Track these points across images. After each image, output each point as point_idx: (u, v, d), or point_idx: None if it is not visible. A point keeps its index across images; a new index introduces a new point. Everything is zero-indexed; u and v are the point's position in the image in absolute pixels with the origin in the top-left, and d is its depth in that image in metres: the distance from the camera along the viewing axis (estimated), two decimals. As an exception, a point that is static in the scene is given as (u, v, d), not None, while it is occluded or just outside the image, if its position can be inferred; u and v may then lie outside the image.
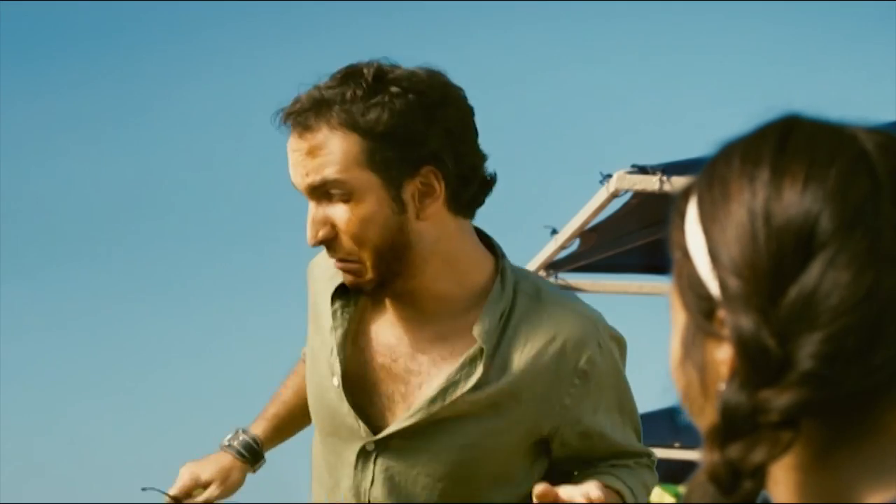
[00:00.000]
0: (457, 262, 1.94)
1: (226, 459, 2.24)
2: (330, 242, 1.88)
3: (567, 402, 1.93)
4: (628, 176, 4.42)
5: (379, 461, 1.98)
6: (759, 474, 0.80)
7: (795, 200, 0.83)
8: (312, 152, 1.85)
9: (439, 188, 1.86)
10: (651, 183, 4.37)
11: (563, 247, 5.33)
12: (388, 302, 1.99)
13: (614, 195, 4.53)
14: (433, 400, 1.93)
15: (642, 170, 4.42)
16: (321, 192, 1.87)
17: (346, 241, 1.87)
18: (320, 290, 2.06)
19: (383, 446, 1.97)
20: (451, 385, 1.92)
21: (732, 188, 0.85)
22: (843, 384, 0.80)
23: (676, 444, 8.40)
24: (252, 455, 2.25)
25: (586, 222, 4.96)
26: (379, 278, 1.89)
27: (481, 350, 1.91)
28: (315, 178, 1.85)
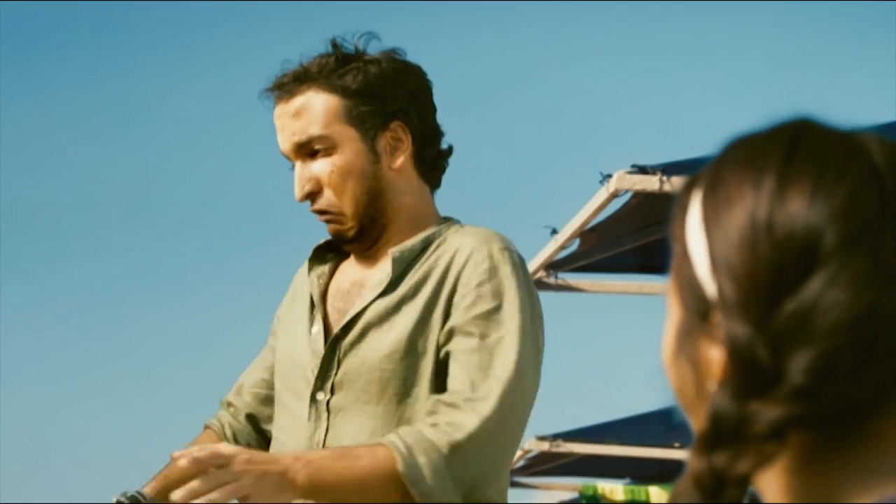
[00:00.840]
0: (419, 220, 2.16)
1: None
2: (314, 196, 2.12)
3: (456, 299, 2.04)
4: (628, 176, 4.41)
5: (330, 402, 2.07)
6: (744, 483, 0.80)
7: (800, 213, 0.82)
8: (297, 114, 2.12)
9: (407, 141, 2.13)
10: (651, 183, 4.37)
11: (563, 247, 5.33)
12: (353, 259, 2.19)
13: (614, 195, 4.52)
14: (355, 314, 2.10)
15: (642, 170, 4.42)
16: (306, 149, 2.12)
17: (328, 194, 2.11)
18: (298, 282, 2.28)
19: (327, 381, 2.08)
20: (366, 297, 2.11)
21: (737, 193, 0.85)
22: (833, 400, 0.80)
23: (676, 444, 8.39)
24: None
25: (586, 222, 4.95)
26: (359, 224, 2.11)
27: (392, 261, 2.09)
28: (301, 137, 2.11)
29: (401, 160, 2.12)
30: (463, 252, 2.06)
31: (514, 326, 1.99)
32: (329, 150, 2.10)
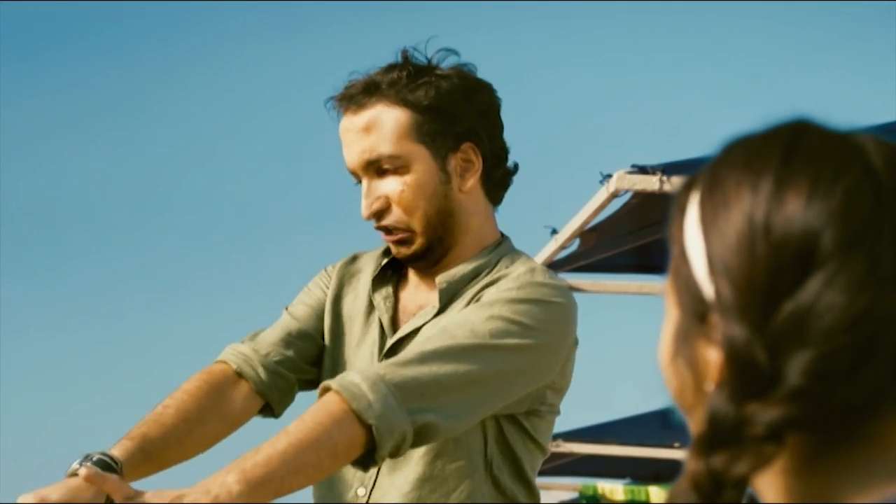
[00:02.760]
0: (483, 240, 2.14)
1: (74, 481, 1.89)
2: (382, 214, 2.08)
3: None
4: (628, 176, 4.42)
5: None
6: (742, 485, 0.80)
7: (797, 215, 0.82)
8: (367, 129, 2.07)
9: (478, 163, 2.09)
10: (651, 183, 4.37)
11: (563, 247, 5.33)
12: (415, 278, 2.16)
13: (614, 195, 4.53)
14: (402, 337, 2.08)
15: (642, 170, 4.42)
16: (375, 167, 2.07)
17: (398, 212, 2.07)
18: (346, 292, 2.22)
19: None
20: (416, 322, 2.09)
21: (734, 195, 0.85)
22: (830, 402, 0.80)
23: (676, 444, 8.40)
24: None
25: (586, 222, 4.96)
26: (427, 244, 2.08)
27: (439, 291, 2.07)
28: (372, 155, 2.06)
29: (471, 182, 2.09)
30: (504, 277, 2.05)
31: (509, 306, 1.96)
32: (400, 169, 2.06)
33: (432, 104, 2.05)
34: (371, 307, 2.17)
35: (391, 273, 2.19)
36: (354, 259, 2.27)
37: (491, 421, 2.04)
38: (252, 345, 2.17)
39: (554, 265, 5.78)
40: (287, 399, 2.19)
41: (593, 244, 5.40)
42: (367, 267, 2.23)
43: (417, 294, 2.15)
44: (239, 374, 2.13)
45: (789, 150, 0.85)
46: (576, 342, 2.10)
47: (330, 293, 2.23)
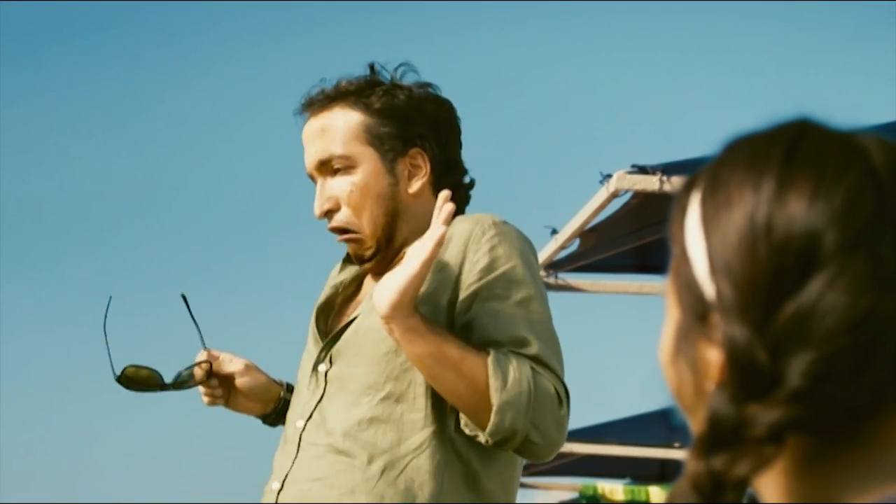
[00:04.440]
0: None
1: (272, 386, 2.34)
2: (332, 214, 2.17)
3: (466, 266, 2.09)
4: (628, 176, 4.41)
5: (328, 376, 2.14)
6: (742, 486, 0.80)
7: (799, 216, 0.82)
8: (322, 130, 2.17)
9: (425, 168, 2.17)
10: (651, 183, 4.37)
11: (563, 247, 5.33)
12: (370, 278, 2.24)
13: (614, 195, 4.52)
14: (360, 312, 2.17)
15: (642, 170, 4.42)
16: (327, 167, 2.17)
17: (347, 212, 2.16)
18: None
19: (327, 359, 2.16)
20: (350, 315, 2.18)
21: (736, 195, 0.85)
22: (831, 403, 0.80)
23: (676, 445, 8.39)
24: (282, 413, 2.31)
25: (586, 222, 4.96)
26: (376, 245, 2.16)
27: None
28: (323, 155, 2.16)
29: (418, 185, 2.17)
30: (460, 232, 2.09)
31: (530, 286, 2.06)
32: (348, 169, 2.15)
33: (383, 108, 2.15)
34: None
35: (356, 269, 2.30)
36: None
37: None
38: None
39: (554, 265, 5.78)
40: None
41: (593, 244, 5.39)
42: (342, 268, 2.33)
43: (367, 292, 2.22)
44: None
45: (791, 149, 0.85)
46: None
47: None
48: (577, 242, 5.35)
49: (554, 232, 5.29)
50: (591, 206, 4.76)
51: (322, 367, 2.14)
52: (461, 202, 2.21)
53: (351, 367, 2.09)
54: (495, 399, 1.94)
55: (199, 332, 2.30)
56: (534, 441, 1.97)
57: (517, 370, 1.96)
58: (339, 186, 2.16)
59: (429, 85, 2.20)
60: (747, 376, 0.81)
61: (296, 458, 2.10)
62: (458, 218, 2.13)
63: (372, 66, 2.20)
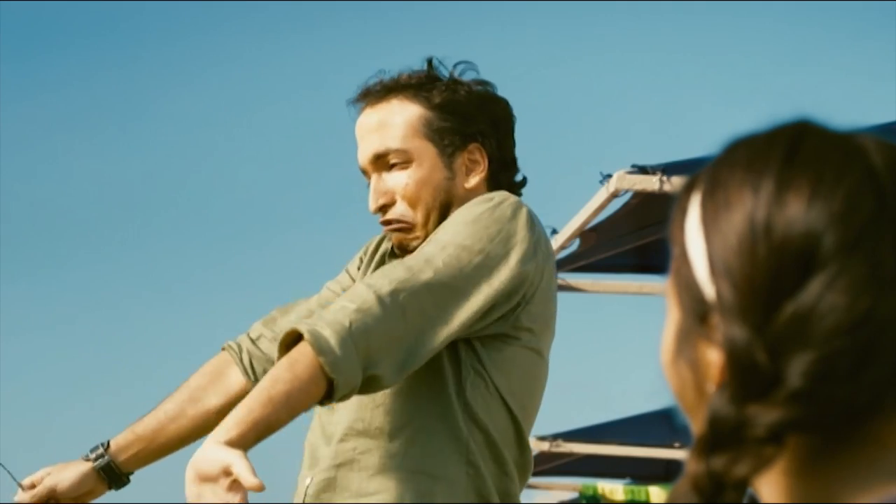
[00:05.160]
0: None
1: (86, 467, 2.24)
2: (388, 208, 2.15)
3: None
4: (628, 176, 4.41)
5: None
6: (742, 486, 0.80)
7: (799, 216, 0.82)
8: (380, 123, 2.15)
9: (483, 163, 2.16)
10: (651, 183, 4.37)
11: (563, 247, 5.33)
12: None
13: (614, 195, 4.52)
14: None
15: (642, 170, 4.42)
16: (383, 161, 2.14)
17: (402, 206, 2.14)
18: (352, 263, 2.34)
19: None
20: None
21: (735, 196, 0.85)
22: (830, 403, 0.80)
23: (676, 444, 8.40)
24: (111, 478, 2.25)
25: (586, 222, 4.96)
26: (426, 237, 2.12)
27: None
28: (379, 148, 2.14)
29: (475, 181, 2.16)
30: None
31: (462, 236, 2.00)
32: (406, 163, 2.14)
33: (444, 103, 2.14)
34: None
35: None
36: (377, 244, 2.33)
37: (464, 346, 2.05)
38: (259, 325, 2.32)
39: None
40: None
41: (593, 244, 5.39)
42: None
43: None
44: (232, 358, 2.29)
45: (791, 151, 0.85)
46: (544, 252, 2.09)
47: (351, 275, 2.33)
48: (577, 242, 5.35)
49: (554, 232, 5.29)
50: (591, 206, 4.76)
51: None
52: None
53: None
54: (328, 368, 1.84)
55: (10, 473, 2.20)
56: (379, 375, 1.89)
57: (332, 324, 1.86)
58: (395, 181, 2.14)
59: (487, 83, 2.20)
60: (747, 377, 0.81)
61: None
62: None
63: (430, 62, 2.19)
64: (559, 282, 5.93)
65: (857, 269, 0.80)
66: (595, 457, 9.35)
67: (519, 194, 2.21)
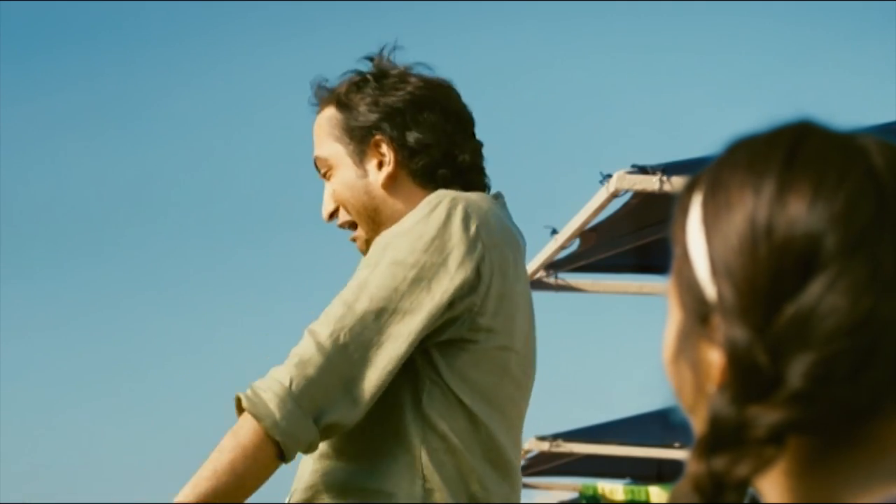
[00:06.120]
0: None
1: None
2: (332, 214, 2.16)
3: None
4: (628, 176, 4.41)
5: None
6: (743, 487, 0.80)
7: (800, 218, 0.82)
8: (315, 132, 2.18)
9: (389, 156, 2.11)
10: (651, 183, 4.37)
11: (563, 247, 5.32)
12: None
13: (614, 195, 4.52)
14: None
15: (642, 170, 4.42)
16: (321, 170, 2.18)
17: (342, 211, 2.15)
18: None
19: None
20: None
21: (737, 197, 0.85)
22: (831, 404, 0.80)
23: (676, 445, 8.39)
24: None
25: (586, 222, 4.95)
26: (368, 238, 2.11)
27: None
28: (314, 158, 2.18)
29: (384, 175, 2.11)
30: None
31: (393, 250, 1.94)
32: (329, 170, 2.15)
33: (347, 100, 2.12)
34: None
35: None
36: None
37: (420, 357, 1.98)
38: None
39: (554, 265, 5.78)
40: None
41: (593, 244, 5.39)
42: None
43: None
44: None
45: (792, 152, 0.85)
46: (486, 245, 1.97)
47: None
48: (577, 242, 5.35)
49: (554, 232, 5.29)
50: (591, 206, 4.76)
51: None
52: (441, 182, 2.09)
53: None
54: (271, 432, 1.87)
55: None
56: (336, 421, 1.89)
57: (272, 386, 1.88)
58: (329, 188, 2.16)
59: (408, 69, 2.13)
60: (748, 378, 0.81)
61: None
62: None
63: (371, 59, 2.16)
64: (559, 282, 5.93)
65: (858, 270, 0.80)
66: (595, 457, 9.35)
67: (450, 175, 2.10)
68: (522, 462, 10.17)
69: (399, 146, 2.10)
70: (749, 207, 0.84)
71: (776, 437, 0.80)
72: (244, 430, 1.87)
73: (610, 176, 4.48)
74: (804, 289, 0.80)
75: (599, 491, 9.56)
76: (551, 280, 5.85)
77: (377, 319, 1.91)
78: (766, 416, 0.80)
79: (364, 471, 1.98)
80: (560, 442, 8.95)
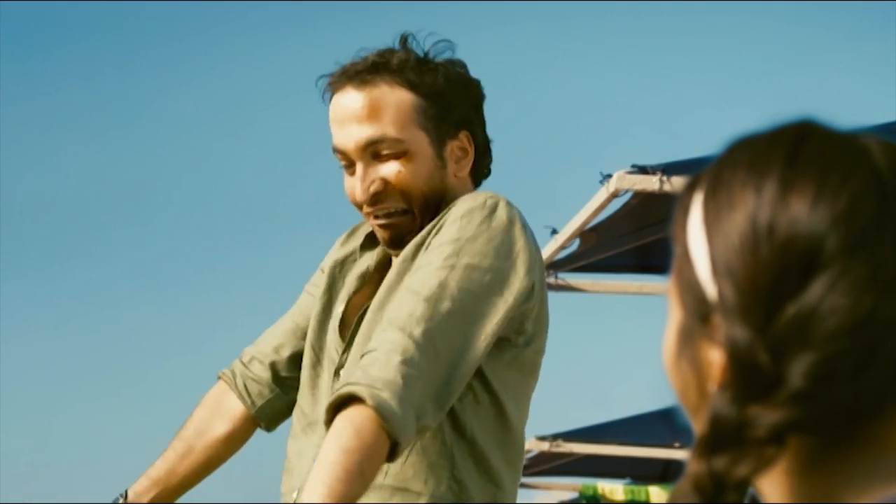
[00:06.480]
0: None
1: None
2: (380, 196, 2.05)
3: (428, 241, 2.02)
4: (628, 176, 4.41)
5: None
6: (743, 487, 0.80)
7: (802, 217, 0.82)
8: (372, 108, 2.04)
9: (471, 152, 2.10)
10: (651, 183, 4.37)
11: (563, 247, 5.33)
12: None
13: (614, 195, 4.52)
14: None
15: (642, 170, 4.42)
16: (373, 149, 2.04)
17: (395, 195, 2.05)
18: (327, 264, 2.25)
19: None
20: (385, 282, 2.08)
21: (738, 196, 0.85)
22: (832, 404, 0.80)
23: (676, 444, 8.40)
24: None
25: (586, 222, 4.96)
26: (421, 225, 2.05)
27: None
28: (373, 136, 2.03)
29: (465, 170, 2.10)
30: (453, 206, 2.03)
31: (468, 255, 1.94)
32: (400, 154, 2.04)
33: (437, 90, 2.05)
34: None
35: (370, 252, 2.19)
36: (349, 238, 2.26)
37: None
38: (250, 349, 2.29)
39: (554, 265, 5.78)
40: (274, 408, 2.24)
41: (593, 244, 5.39)
42: (358, 250, 2.22)
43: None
44: (228, 385, 2.26)
45: (794, 151, 0.85)
46: (537, 249, 2.04)
47: (322, 285, 2.22)
48: (577, 242, 5.35)
49: (554, 232, 5.29)
50: (591, 206, 4.76)
51: (342, 371, 2.06)
52: (485, 179, 2.16)
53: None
54: (395, 432, 1.79)
55: None
56: (426, 425, 1.86)
57: (389, 384, 1.81)
58: (388, 170, 2.04)
59: (463, 63, 2.12)
60: (749, 377, 0.81)
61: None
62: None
63: (405, 39, 2.09)
64: (559, 282, 5.94)
65: (860, 270, 0.80)
66: (595, 457, 9.35)
67: (486, 176, 2.17)
68: (523, 462, 10.19)
69: (478, 144, 2.11)
70: (750, 207, 0.84)
71: (777, 437, 0.80)
72: (367, 430, 1.78)
73: (610, 176, 4.48)
74: (805, 288, 0.80)
75: (599, 491, 9.57)
76: (551, 280, 5.85)
77: (460, 322, 1.92)
78: (766, 416, 0.80)
79: (390, 470, 1.97)
80: (560, 442, 8.96)
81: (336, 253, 2.25)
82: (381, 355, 1.85)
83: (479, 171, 2.14)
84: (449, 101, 2.06)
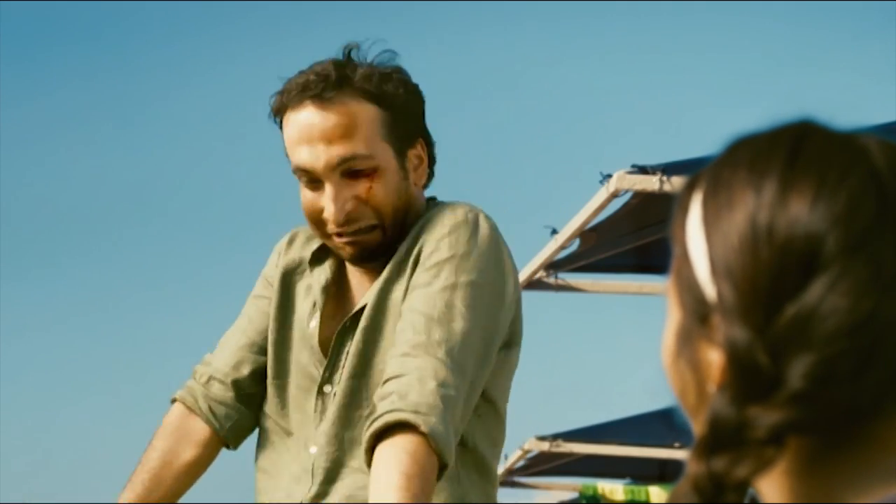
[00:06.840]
0: None
1: None
2: (352, 215, 2.02)
3: (422, 258, 2.02)
4: (628, 176, 4.42)
5: (334, 397, 2.05)
6: (743, 488, 0.80)
7: (801, 218, 0.82)
8: (340, 126, 1.99)
9: (425, 158, 2.10)
10: (651, 183, 4.37)
11: (563, 247, 5.33)
12: (358, 274, 2.13)
13: (614, 195, 4.53)
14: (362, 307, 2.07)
15: (642, 170, 4.42)
16: (343, 169, 2.00)
17: (367, 212, 2.01)
18: (275, 276, 2.22)
19: (330, 380, 2.07)
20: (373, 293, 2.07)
21: (738, 196, 0.84)
22: (831, 405, 0.80)
23: (676, 445, 8.39)
24: None
25: (586, 222, 4.96)
26: (390, 241, 2.04)
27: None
28: (346, 153, 1.99)
29: (423, 178, 2.10)
30: (430, 220, 2.03)
31: (465, 272, 1.97)
32: (370, 170, 2.00)
33: (399, 102, 2.03)
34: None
35: (330, 267, 2.16)
36: (289, 248, 2.24)
37: None
38: (201, 368, 2.25)
39: (554, 265, 5.78)
40: (241, 427, 2.21)
41: (593, 244, 5.40)
42: (309, 260, 2.19)
43: (361, 287, 2.11)
44: (188, 409, 2.20)
45: (794, 151, 0.85)
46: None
47: (274, 298, 2.20)
48: (577, 242, 5.35)
49: (554, 232, 5.30)
50: (591, 206, 4.76)
51: (327, 388, 2.06)
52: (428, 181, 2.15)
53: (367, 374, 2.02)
54: (447, 458, 1.84)
55: None
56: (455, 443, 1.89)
57: (437, 412, 1.84)
58: (361, 188, 2.00)
59: (406, 70, 2.08)
60: (748, 378, 0.81)
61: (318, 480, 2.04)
62: (440, 205, 2.08)
63: (349, 51, 2.04)
64: (559, 282, 5.94)
65: (860, 271, 0.80)
66: (595, 457, 9.35)
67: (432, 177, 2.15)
68: (522, 462, 10.21)
69: (431, 151, 2.11)
70: (750, 207, 0.83)
71: (776, 438, 0.80)
72: (424, 456, 1.82)
73: (610, 176, 4.48)
74: (805, 289, 0.80)
75: (599, 491, 9.56)
76: (551, 280, 5.86)
77: (474, 340, 1.95)
78: (766, 417, 0.79)
79: None
80: (560, 442, 8.95)
81: (281, 263, 2.22)
82: (414, 381, 1.87)
83: (431, 174, 2.13)
84: (408, 111, 2.06)
